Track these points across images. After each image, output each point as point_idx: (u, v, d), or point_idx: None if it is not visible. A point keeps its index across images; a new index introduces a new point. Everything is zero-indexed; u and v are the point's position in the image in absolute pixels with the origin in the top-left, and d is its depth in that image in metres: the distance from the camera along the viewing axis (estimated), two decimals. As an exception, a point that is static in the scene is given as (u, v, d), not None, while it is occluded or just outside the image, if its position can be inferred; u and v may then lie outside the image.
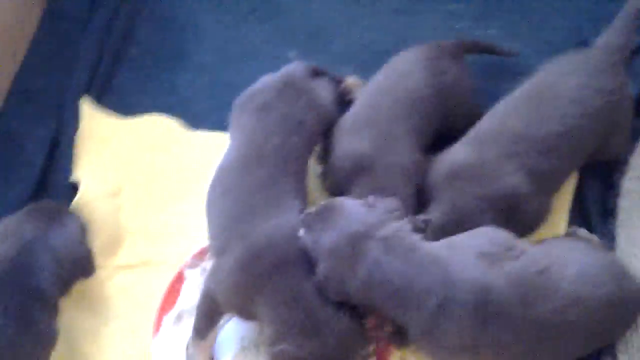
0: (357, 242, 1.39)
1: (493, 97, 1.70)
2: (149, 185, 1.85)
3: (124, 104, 1.97)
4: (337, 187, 1.64)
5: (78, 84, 1.99)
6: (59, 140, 1.93)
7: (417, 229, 1.43)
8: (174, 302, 1.66)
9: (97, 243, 1.75)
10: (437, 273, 1.36)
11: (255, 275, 1.44)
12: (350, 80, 1.83)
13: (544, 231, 1.62)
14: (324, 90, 1.73)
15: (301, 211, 1.50)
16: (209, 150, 1.83)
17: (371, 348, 1.54)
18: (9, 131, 1.96)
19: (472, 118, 1.68)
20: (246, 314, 1.51)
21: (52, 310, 1.61)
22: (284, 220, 1.49)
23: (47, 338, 1.59)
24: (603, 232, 1.64)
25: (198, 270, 1.68)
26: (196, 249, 1.70)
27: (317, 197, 1.71)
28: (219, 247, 1.52)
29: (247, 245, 1.46)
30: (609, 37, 1.65)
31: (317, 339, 1.40)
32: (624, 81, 1.63)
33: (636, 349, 1.47)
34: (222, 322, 1.58)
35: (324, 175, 1.72)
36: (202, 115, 1.93)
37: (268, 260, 1.44)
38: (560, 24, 1.93)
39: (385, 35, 1.98)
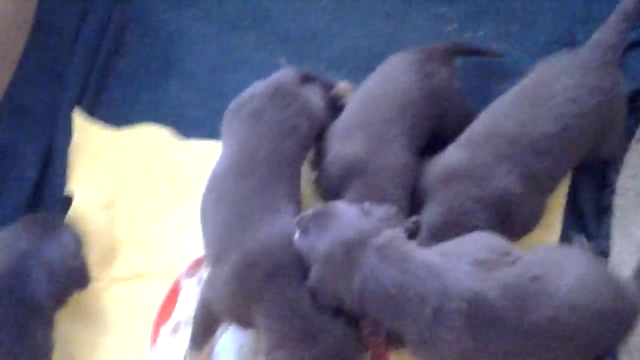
0: (352, 249, 1.39)
1: (484, 98, 1.71)
2: (142, 195, 1.86)
3: (116, 116, 1.97)
4: (331, 191, 1.64)
5: (70, 96, 1.99)
6: (52, 153, 1.93)
7: (409, 232, 1.44)
8: (170, 313, 1.65)
9: (92, 255, 1.75)
10: (431, 282, 1.35)
11: (251, 284, 1.44)
12: (341, 85, 1.83)
13: (538, 232, 1.63)
14: (315, 96, 1.73)
15: (296, 216, 1.50)
16: (202, 158, 1.84)
17: (368, 354, 1.55)
18: (2, 145, 1.96)
19: (463, 120, 1.68)
20: (243, 322, 1.51)
21: (48, 322, 1.62)
22: (278, 227, 1.49)
23: (43, 350, 1.59)
24: (597, 230, 1.64)
25: (194, 280, 1.67)
26: (191, 259, 1.70)
27: (312, 202, 1.71)
28: (215, 255, 1.52)
29: (242, 253, 1.46)
30: (602, 37, 1.64)
31: (313, 345, 1.40)
32: (617, 80, 1.63)
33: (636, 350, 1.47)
34: (219, 331, 1.58)
35: (318, 180, 1.72)
36: (193, 124, 1.93)
37: (263, 268, 1.44)
38: (549, 24, 1.92)
39: (375, 39, 1.98)
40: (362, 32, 2.00)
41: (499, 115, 1.63)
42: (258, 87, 1.72)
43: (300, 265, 1.45)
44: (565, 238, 1.67)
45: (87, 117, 1.96)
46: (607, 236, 1.62)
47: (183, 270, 1.70)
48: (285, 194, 1.56)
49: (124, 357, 1.66)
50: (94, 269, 1.73)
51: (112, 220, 1.83)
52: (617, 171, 1.66)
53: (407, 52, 1.77)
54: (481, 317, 1.33)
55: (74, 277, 1.68)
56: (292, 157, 1.62)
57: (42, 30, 2.11)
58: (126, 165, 1.90)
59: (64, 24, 2.11)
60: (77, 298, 1.70)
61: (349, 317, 1.44)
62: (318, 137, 1.70)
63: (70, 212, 1.82)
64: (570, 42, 1.83)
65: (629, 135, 1.69)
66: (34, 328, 1.57)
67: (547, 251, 1.49)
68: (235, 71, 1.98)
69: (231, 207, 1.53)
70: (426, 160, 1.65)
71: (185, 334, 1.58)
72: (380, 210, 1.46)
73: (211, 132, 1.81)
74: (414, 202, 1.62)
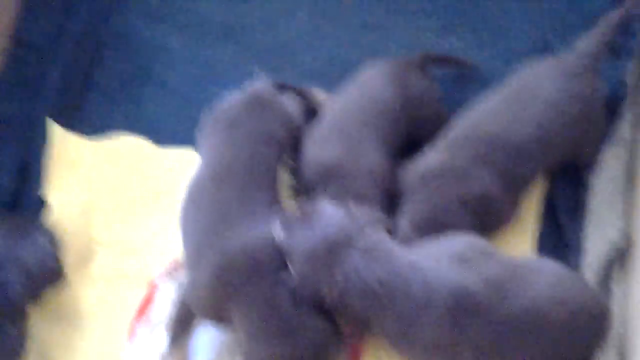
0: (335, 249, 1.42)
1: (459, 105, 1.73)
2: (119, 201, 1.86)
3: (93, 128, 1.97)
4: (308, 194, 1.64)
5: (46, 109, 1.99)
6: (28, 161, 1.93)
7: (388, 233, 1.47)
8: (147, 313, 1.66)
9: (69, 256, 1.75)
10: (416, 279, 1.38)
11: (230, 284, 1.46)
12: (316, 93, 1.84)
13: (513, 232, 1.66)
14: (290, 104, 1.75)
15: (274, 220, 1.51)
16: (178, 165, 1.85)
17: (345, 351, 1.55)
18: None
19: (439, 127, 1.70)
20: (222, 321, 1.52)
21: (21, 319, 1.62)
22: (257, 230, 1.50)
23: (16, 347, 1.59)
24: (572, 230, 1.66)
25: (172, 283, 1.68)
26: (169, 260, 1.71)
27: (291, 207, 1.70)
28: (194, 258, 1.53)
29: (220, 255, 1.47)
30: (585, 44, 1.67)
31: (291, 341, 1.42)
32: (598, 86, 1.65)
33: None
34: (197, 329, 1.59)
35: (295, 185, 1.73)
36: (170, 136, 1.92)
37: (242, 269, 1.46)
38: (524, 33, 1.93)
39: (352, 50, 1.98)
40: (338, 42, 2.01)
41: (480, 119, 1.65)
42: (235, 98, 1.73)
43: (279, 266, 1.47)
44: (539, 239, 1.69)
45: (65, 129, 1.96)
46: (581, 236, 1.63)
47: (161, 271, 1.70)
48: (264, 200, 1.57)
49: (100, 355, 1.66)
50: (69, 269, 1.73)
51: (88, 224, 1.82)
52: (593, 173, 1.67)
53: (383, 63, 1.79)
54: (463, 309, 1.36)
55: (48, 271, 1.67)
56: (269, 164, 1.63)
57: (19, 45, 2.11)
58: (103, 172, 1.90)
59: (42, 38, 2.10)
60: (53, 298, 1.70)
61: (327, 314, 1.46)
62: (295, 144, 1.71)
63: (47, 215, 1.82)
64: (545, 49, 1.84)
65: (606, 138, 1.70)
66: (7, 326, 1.57)
67: (525, 257, 1.57)
68: (212, 83, 1.97)
69: (210, 213, 1.54)
70: (403, 163, 1.67)
71: (162, 332, 1.59)
72: (364, 212, 1.49)
73: (187, 142, 1.83)
74: (390, 205, 1.63)
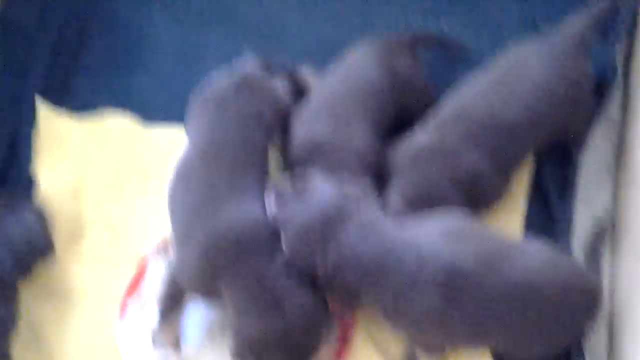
0: (330, 223, 1.43)
1: (448, 85, 1.73)
2: (108, 181, 1.86)
3: (81, 108, 1.96)
4: (297, 173, 1.63)
5: (34, 89, 1.98)
6: (17, 142, 1.93)
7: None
8: (139, 288, 1.66)
9: (59, 233, 1.75)
10: (409, 253, 1.40)
11: (219, 264, 1.46)
12: (304, 72, 1.84)
13: (502, 210, 1.67)
14: (278, 83, 1.75)
15: (269, 195, 1.53)
16: (166, 144, 1.85)
17: (334, 324, 1.56)
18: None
19: (427, 107, 1.71)
20: (212, 297, 1.53)
21: (12, 296, 1.62)
22: (246, 207, 1.51)
23: (7, 324, 1.59)
24: (561, 209, 1.67)
25: (163, 261, 1.68)
26: (160, 237, 1.71)
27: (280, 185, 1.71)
28: (183, 235, 1.53)
29: (209, 231, 1.48)
30: (573, 24, 1.68)
31: (279, 317, 1.43)
32: (585, 66, 1.66)
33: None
34: (187, 306, 1.60)
35: (284, 163, 1.73)
36: (158, 115, 1.92)
37: (231, 248, 1.46)
38: (513, 13, 1.94)
39: (340, 31, 1.98)
40: (327, 22, 2.01)
41: (469, 99, 1.66)
42: (223, 78, 1.73)
43: (268, 244, 1.47)
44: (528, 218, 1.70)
45: (52, 108, 1.96)
46: (570, 213, 1.64)
47: (152, 247, 1.70)
48: (253, 180, 1.57)
49: (91, 330, 1.67)
50: (60, 247, 1.74)
51: (77, 202, 1.83)
52: (582, 152, 1.68)
53: (370, 43, 1.79)
54: (455, 284, 1.38)
55: (37, 247, 1.67)
56: (258, 144, 1.63)
57: (7, 26, 2.10)
58: (92, 152, 1.89)
59: (29, 19, 2.09)
60: (44, 275, 1.71)
61: (317, 289, 1.47)
62: (284, 124, 1.71)
63: (36, 193, 1.82)
64: (534, 30, 1.84)
65: (595, 119, 1.70)
66: None
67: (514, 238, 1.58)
68: (199, 64, 1.96)
69: (199, 192, 1.54)
70: (392, 143, 1.67)
71: (154, 308, 1.59)
72: (357, 188, 1.51)
73: (175, 121, 1.83)
74: (378, 185, 1.63)
